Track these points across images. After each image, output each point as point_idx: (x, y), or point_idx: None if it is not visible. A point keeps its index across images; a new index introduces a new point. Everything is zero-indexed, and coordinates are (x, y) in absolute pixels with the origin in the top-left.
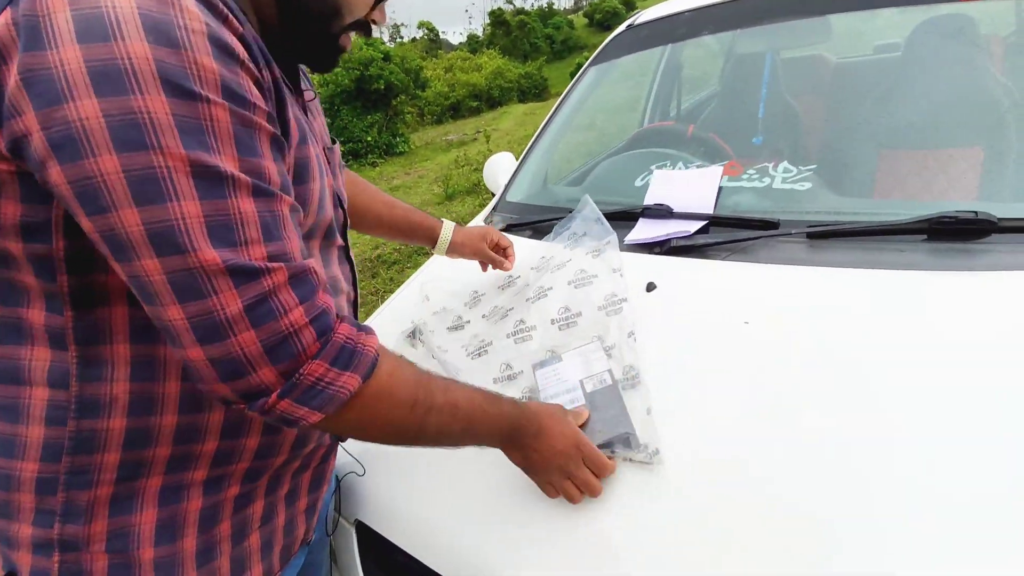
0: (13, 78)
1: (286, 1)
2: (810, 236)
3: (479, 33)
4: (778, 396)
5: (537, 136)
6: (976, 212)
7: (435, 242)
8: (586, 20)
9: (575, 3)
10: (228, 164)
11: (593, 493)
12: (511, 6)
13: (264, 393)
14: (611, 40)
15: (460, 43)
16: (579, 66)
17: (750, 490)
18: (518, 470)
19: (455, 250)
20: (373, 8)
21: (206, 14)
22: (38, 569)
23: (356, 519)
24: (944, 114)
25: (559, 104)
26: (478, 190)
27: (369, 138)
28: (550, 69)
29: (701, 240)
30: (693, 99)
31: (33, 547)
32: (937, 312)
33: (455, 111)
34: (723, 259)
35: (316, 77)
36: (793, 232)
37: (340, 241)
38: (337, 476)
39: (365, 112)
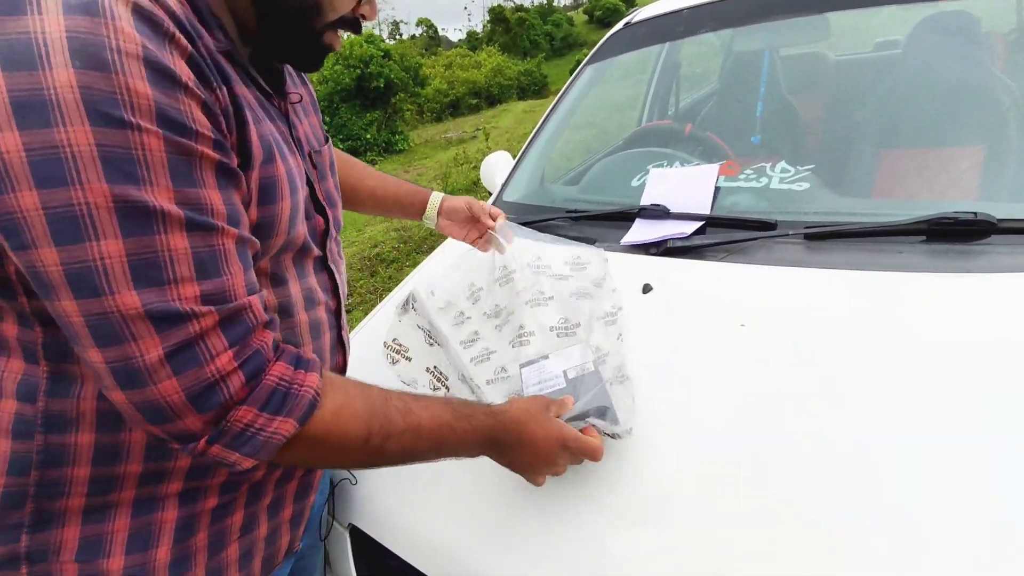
0: None
1: (264, 1)
2: (808, 237)
3: (478, 30)
4: (774, 400)
5: (534, 135)
6: (976, 213)
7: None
8: (586, 17)
9: (574, 0)
10: (159, 197)
11: (594, 458)
12: (511, 3)
13: (192, 439)
14: (608, 38)
15: (459, 40)
16: (579, 63)
17: (745, 494)
18: (513, 475)
19: (445, 217)
20: (359, 3)
21: (145, 34)
22: None
23: (350, 523)
24: (944, 113)
25: (556, 103)
26: (477, 188)
27: (368, 136)
28: (549, 66)
29: (698, 241)
30: (691, 97)
31: None
32: (936, 315)
33: (454, 109)
34: (720, 260)
35: (315, 75)
36: (790, 233)
37: (316, 251)
38: (332, 481)
39: (364, 110)
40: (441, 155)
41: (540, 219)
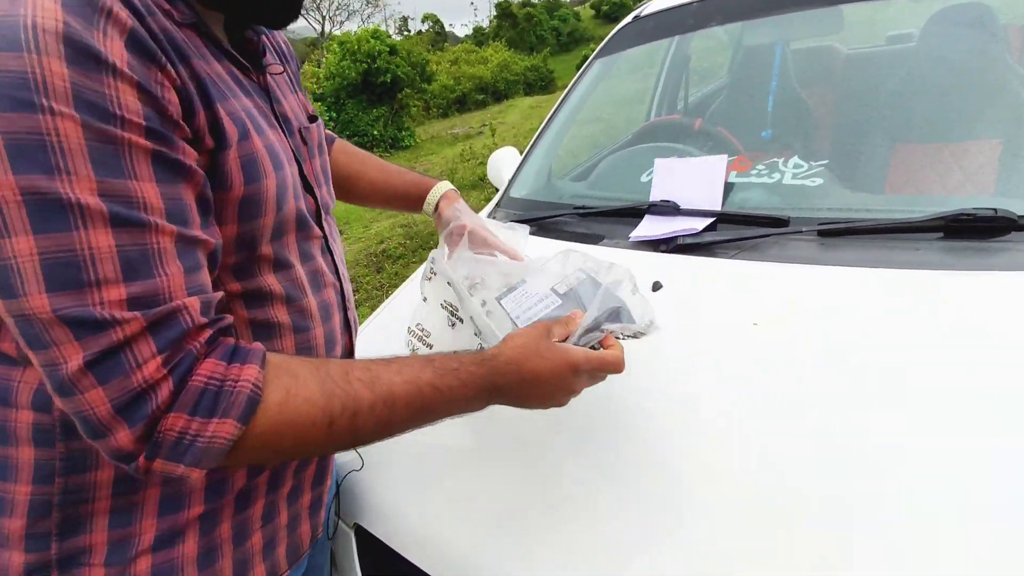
0: None
1: None
2: (821, 234)
3: (485, 25)
4: (788, 401)
5: (541, 130)
6: (995, 209)
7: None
8: (593, 12)
9: None
10: (78, 189)
11: (616, 371)
12: None
13: (130, 456)
14: (617, 32)
15: (466, 36)
16: (585, 58)
17: (755, 498)
18: (521, 474)
19: (438, 218)
20: None
21: (71, 9)
22: None
23: (355, 523)
24: (961, 106)
25: (563, 98)
26: (483, 184)
27: (375, 132)
28: (556, 61)
29: (708, 238)
30: (701, 92)
31: (26, 574)
32: (954, 313)
33: (461, 104)
34: (731, 257)
35: (322, 70)
36: (803, 230)
37: (317, 231)
38: (337, 480)
39: (371, 106)
40: (447, 151)
41: (547, 215)
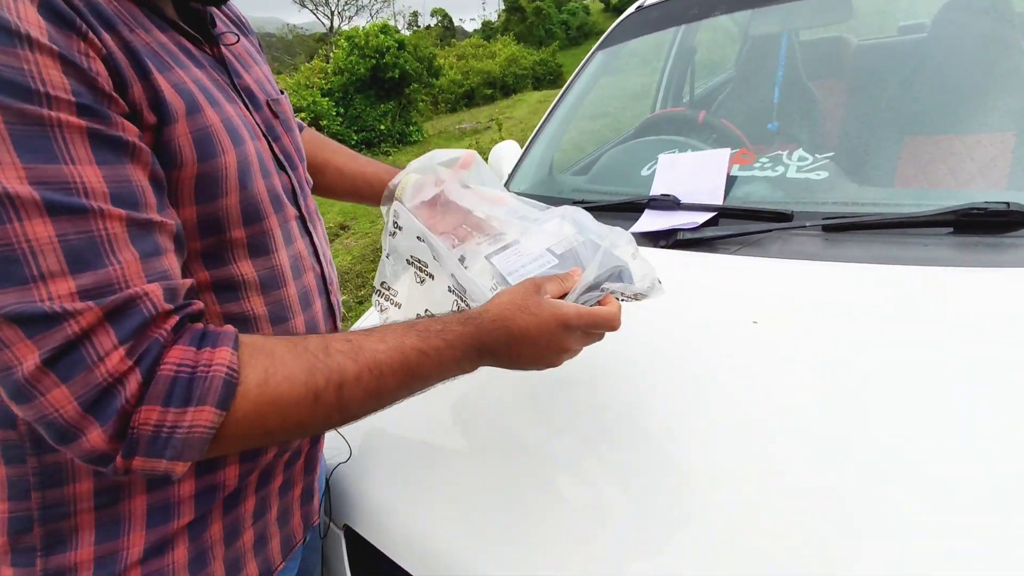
0: None
1: None
2: (826, 229)
3: (493, 20)
4: (789, 401)
5: (542, 124)
6: (1008, 203)
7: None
8: (602, 5)
9: None
10: (3, 179)
11: (611, 327)
12: None
13: (106, 458)
14: (620, 23)
15: (474, 30)
16: None
17: (756, 499)
18: (514, 476)
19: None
20: None
21: None
22: None
23: (345, 524)
24: (972, 97)
25: (565, 90)
26: None
27: (383, 127)
28: (565, 55)
29: (709, 233)
30: (707, 84)
31: None
32: (964, 311)
33: (469, 99)
34: (732, 253)
35: (331, 65)
36: (808, 224)
37: (293, 211)
38: (326, 478)
39: (379, 101)
40: (455, 146)
41: None
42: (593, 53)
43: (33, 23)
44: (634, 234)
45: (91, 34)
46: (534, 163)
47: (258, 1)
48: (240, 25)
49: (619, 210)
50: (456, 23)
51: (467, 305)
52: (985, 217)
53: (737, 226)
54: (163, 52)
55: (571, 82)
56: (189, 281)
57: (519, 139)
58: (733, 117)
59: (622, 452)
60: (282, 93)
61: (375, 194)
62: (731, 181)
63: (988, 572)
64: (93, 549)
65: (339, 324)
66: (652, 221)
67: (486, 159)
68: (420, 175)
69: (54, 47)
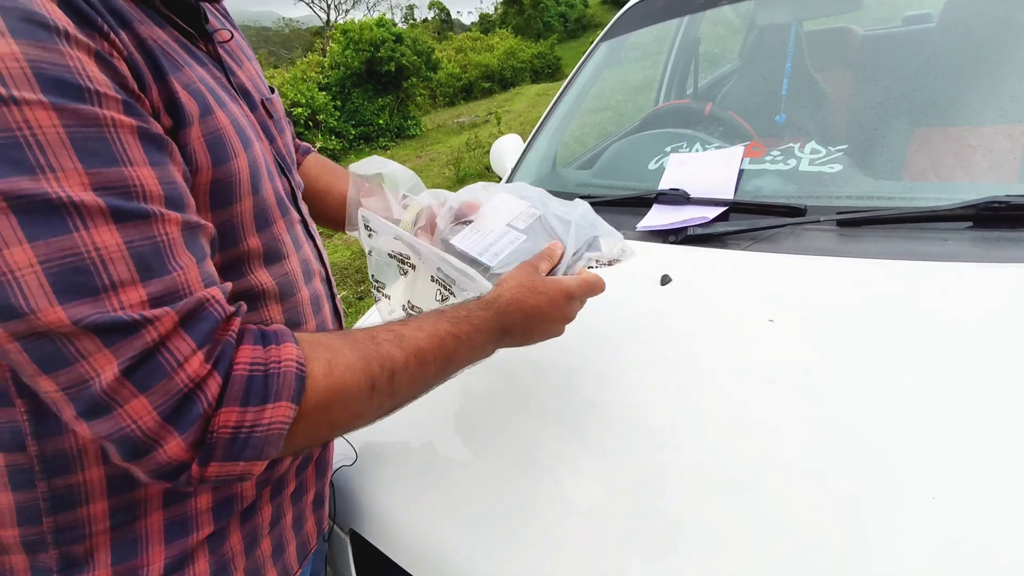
0: None
1: None
2: (840, 223)
3: (491, 12)
4: (809, 404)
5: (545, 117)
6: None
7: None
8: None
9: None
10: (67, 186)
11: (599, 291)
12: None
13: (181, 468)
14: (623, 13)
15: (472, 23)
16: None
17: (773, 506)
18: (522, 479)
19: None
20: None
21: None
22: None
23: (351, 528)
24: (989, 87)
25: (568, 82)
26: (489, 174)
27: (381, 121)
28: (563, 48)
29: (720, 228)
30: (711, 75)
31: None
32: (988, 309)
33: (467, 93)
34: (744, 249)
35: (327, 60)
36: (822, 219)
37: (296, 215)
38: (332, 481)
39: (376, 95)
40: (453, 140)
41: None
42: (597, 45)
43: (60, 18)
44: (642, 230)
45: (112, 34)
46: (537, 157)
47: None
48: (228, 19)
49: (626, 205)
50: (453, 16)
51: (451, 294)
52: (1006, 211)
53: (749, 221)
54: (170, 50)
55: (574, 74)
56: (229, 284)
57: (518, 133)
58: (740, 109)
59: (633, 456)
60: (272, 91)
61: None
62: (741, 175)
63: None
64: (111, 570)
65: (343, 325)
66: (661, 216)
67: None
68: (419, 206)
69: (90, 43)
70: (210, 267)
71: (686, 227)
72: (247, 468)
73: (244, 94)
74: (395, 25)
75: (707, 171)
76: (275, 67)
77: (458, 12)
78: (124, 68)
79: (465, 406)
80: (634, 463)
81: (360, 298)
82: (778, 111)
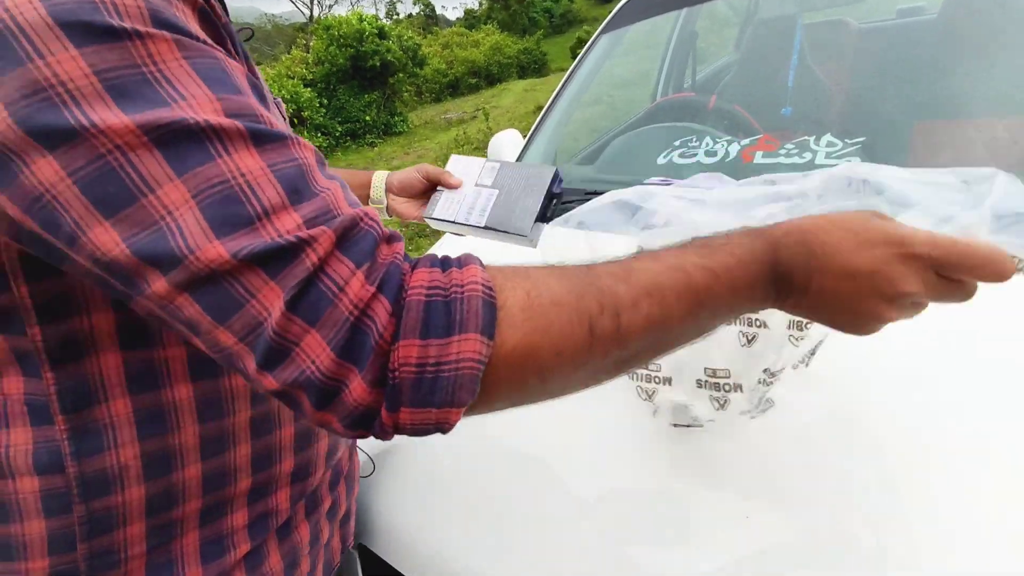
0: None
1: None
2: None
3: (476, 8)
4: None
5: (545, 111)
6: None
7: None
8: None
9: None
10: (202, 112)
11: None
12: None
13: (372, 415)
14: (624, 5)
15: (457, 19)
16: (579, 40)
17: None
18: (537, 495)
19: (397, 194)
20: None
21: None
22: None
23: (359, 542)
24: (1002, 77)
25: (568, 76)
26: None
27: (367, 118)
28: (549, 44)
29: None
30: (707, 68)
31: None
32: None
33: (454, 89)
34: None
35: (311, 56)
36: None
37: None
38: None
39: (362, 91)
40: (442, 136)
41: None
42: (597, 36)
43: None
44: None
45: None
46: (538, 153)
47: None
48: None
49: None
50: (438, 11)
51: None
52: None
53: None
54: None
55: (575, 67)
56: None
57: (506, 128)
58: (744, 102)
59: (660, 475)
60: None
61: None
62: (755, 169)
63: None
64: None
65: None
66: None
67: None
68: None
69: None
70: (350, 192)
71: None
72: (442, 416)
73: (260, 96)
74: (378, 20)
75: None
76: (258, 63)
77: (443, 7)
78: (224, 34)
79: (479, 417)
80: (659, 482)
81: None
82: (784, 103)
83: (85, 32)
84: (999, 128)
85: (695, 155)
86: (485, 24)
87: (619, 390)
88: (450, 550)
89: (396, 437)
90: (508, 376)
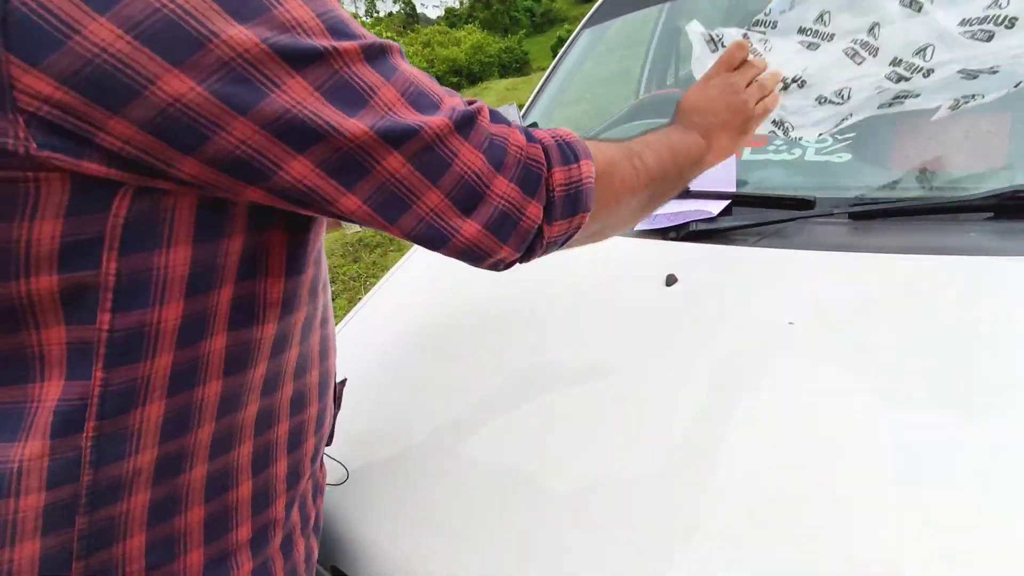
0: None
1: None
2: (853, 216)
3: (457, 7)
4: (833, 410)
5: (527, 108)
6: None
7: None
8: None
9: None
10: (374, 36)
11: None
12: None
13: (540, 231)
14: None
15: (438, 17)
16: (560, 39)
17: (796, 530)
18: (514, 513)
19: None
20: None
21: None
22: None
23: (332, 565)
24: None
25: (551, 71)
26: None
27: None
28: (531, 43)
29: (725, 223)
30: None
31: None
32: (1011, 303)
33: None
34: (751, 245)
35: None
36: (834, 212)
37: None
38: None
39: None
40: None
41: None
42: (579, 31)
43: None
44: (640, 228)
45: None
46: None
47: None
48: None
49: None
50: (419, 10)
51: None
52: None
53: (755, 215)
54: None
55: (557, 62)
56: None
57: None
58: None
59: (646, 483)
60: None
61: None
62: (743, 165)
63: None
64: None
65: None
66: (660, 211)
67: None
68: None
69: None
70: None
71: (688, 222)
72: (577, 223)
73: None
74: (359, 18)
75: None
76: None
77: (423, 5)
78: None
79: (455, 424)
80: (645, 492)
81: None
82: None
83: None
84: (1008, 121)
85: None
86: (466, 23)
87: (593, 402)
88: (427, 570)
89: (371, 445)
90: (603, 190)
